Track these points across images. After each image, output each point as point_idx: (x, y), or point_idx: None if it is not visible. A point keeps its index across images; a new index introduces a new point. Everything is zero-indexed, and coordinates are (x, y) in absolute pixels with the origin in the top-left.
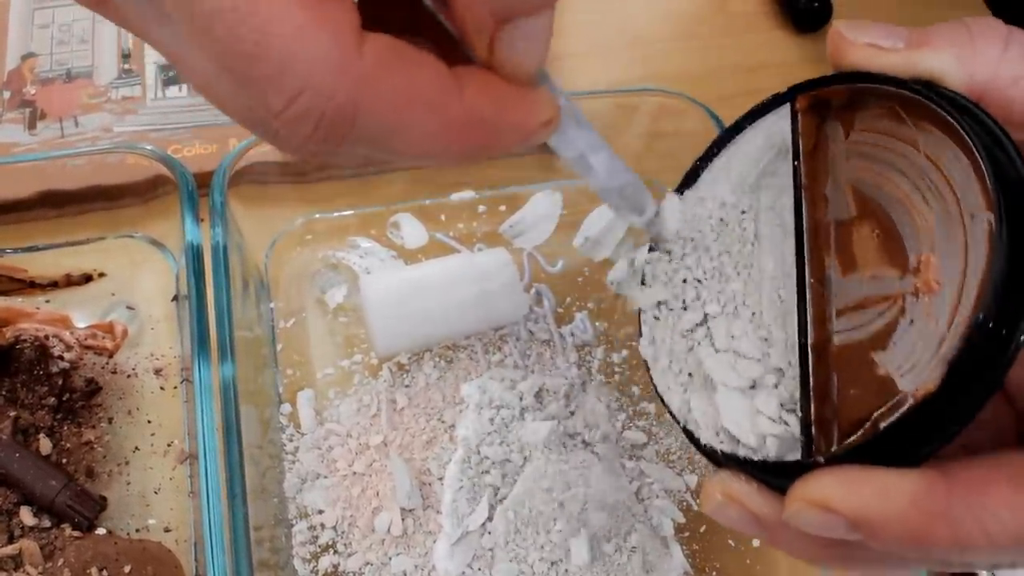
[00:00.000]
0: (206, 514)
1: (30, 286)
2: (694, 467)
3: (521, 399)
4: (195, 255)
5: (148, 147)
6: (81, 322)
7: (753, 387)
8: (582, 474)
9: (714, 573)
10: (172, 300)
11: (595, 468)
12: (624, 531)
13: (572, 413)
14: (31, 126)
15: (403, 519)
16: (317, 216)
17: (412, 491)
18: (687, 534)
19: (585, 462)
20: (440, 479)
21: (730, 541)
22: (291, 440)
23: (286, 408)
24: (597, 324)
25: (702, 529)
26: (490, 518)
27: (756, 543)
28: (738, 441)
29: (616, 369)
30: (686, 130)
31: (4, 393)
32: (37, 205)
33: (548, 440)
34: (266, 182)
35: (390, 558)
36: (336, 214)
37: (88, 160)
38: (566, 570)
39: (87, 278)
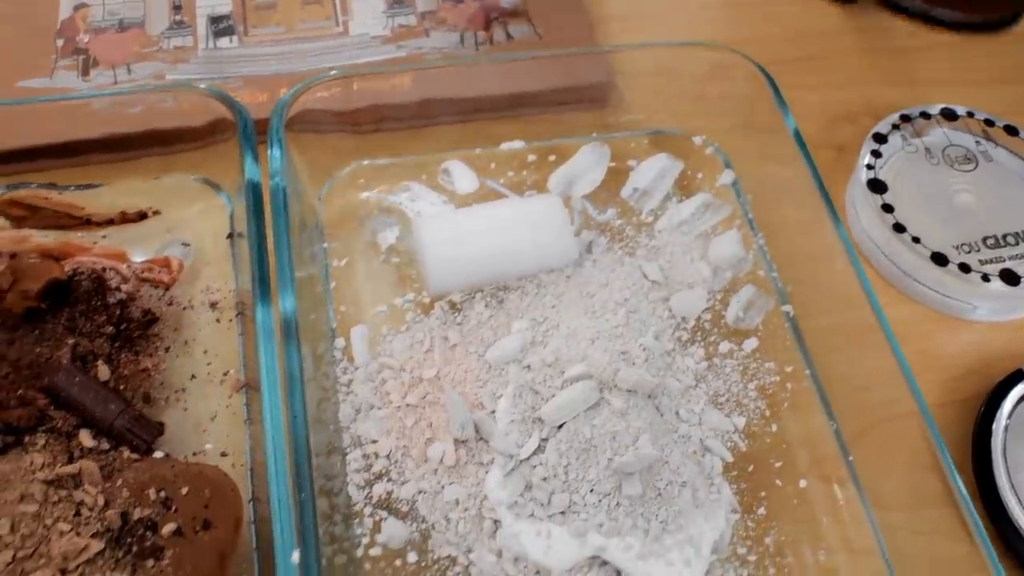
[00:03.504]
0: (269, 440)
1: (86, 223)
2: (742, 410)
3: None
4: (254, 193)
5: (206, 86)
6: (137, 258)
7: None
8: (633, 409)
9: (761, 510)
10: (227, 238)
11: (646, 405)
12: (674, 467)
13: (624, 353)
14: (84, 73)
15: (456, 449)
16: (369, 162)
17: (466, 422)
18: (735, 473)
19: (636, 400)
20: (492, 413)
21: (777, 481)
22: (345, 373)
23: (340, 342)
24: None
25: (750, 469)
26: (541, 450)
27: (803, 483)
28: None
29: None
30: (735, 91)
31: (63, 322)
32: (95, 147)
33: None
34: (320, 131)
35: (443, 487)
36: (388, 160)
37: (145, 104)
38: (617, 503)
39: (142, 215)
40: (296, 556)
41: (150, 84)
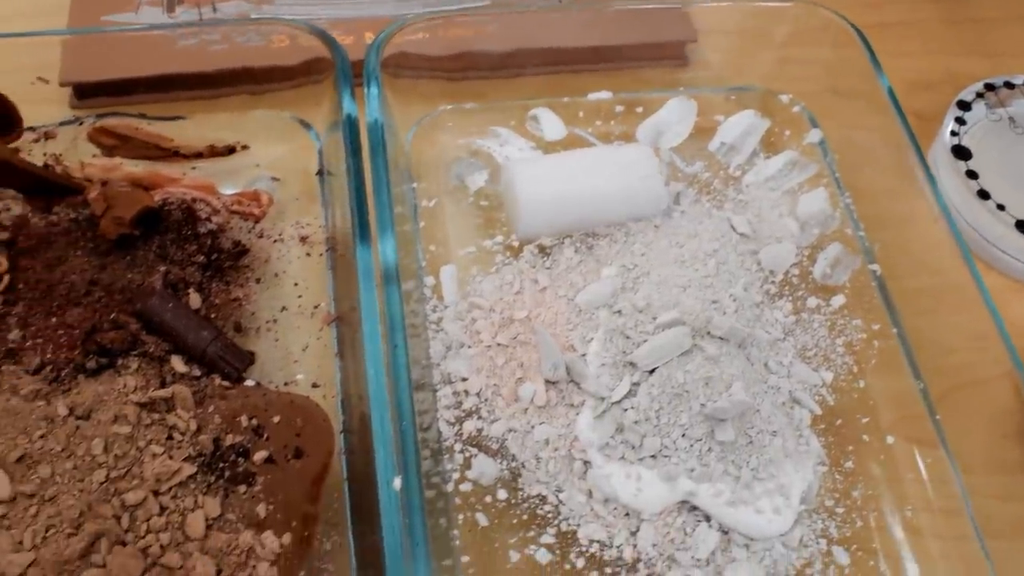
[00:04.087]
0: (371, 371)
1: (175, 155)
2: (829, 365)
3: None
4: (352, 130)
5: (305, 23)
6: (226, 191)
7: None
8: (725, 357)
9: (848, 464)
10: (316, 175)
11: (738, 354)
12: (765, 416)
13: (715, 302)
14: (170, 9)
15: (546, 390)
16: (456, 107)
17: (558, 363)
18: (822, 426)
19: (728, 348)
20: (583, 355)
21: (864, 437)
22: (434, 311)
23: (429, 280)
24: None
25: (837, 423)
26: (632, 393)
27: (890, 440)
28: None
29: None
30: (825, 50)
31: (155, 249)
32: (185, 82)
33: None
34: (411, 74)
35: (533, 426)
36: (475, 106)
37: (240, 39)
38: (708, 448)
39: (231, 149)
40: (398, 483)
41: (248, 18)
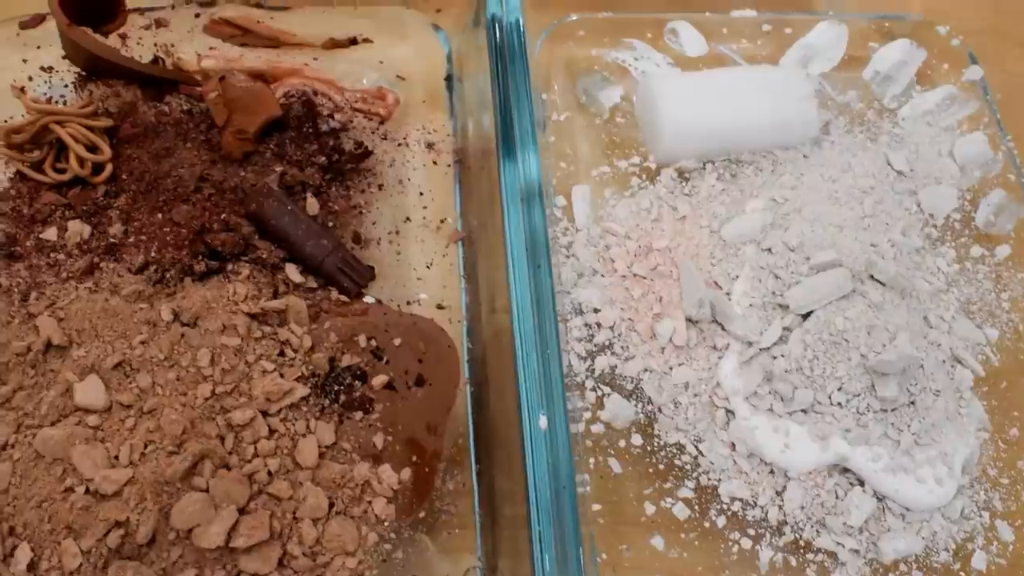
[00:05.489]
0: (515, 298)
1: (294, 47)
2: (994, 321)
3: None
4: (499, 33)
5: None
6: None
7: None
8: (889, 305)
9: (1013, 431)
10: (445, 80)
11: (901, 303)
12: (928, 373)
13: (874, 245)
14: None
15: (687, 328)
16: (588, 15)
17: (703, 300)
18: (986, 389)
19: (891, 295)
20: (727, 294)
21: None
22: (565, 234)
23: (559, 200)
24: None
25: (1003, 385)
26: (784, 340)
27: None
28: None
29: None
30: None
31: (272, 147)
32: None
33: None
34: None
35: (671, 368)
36: (609, 15)
37: None
38: (867, 404)
39: (352, 41)
40: (543, 422)
41: None
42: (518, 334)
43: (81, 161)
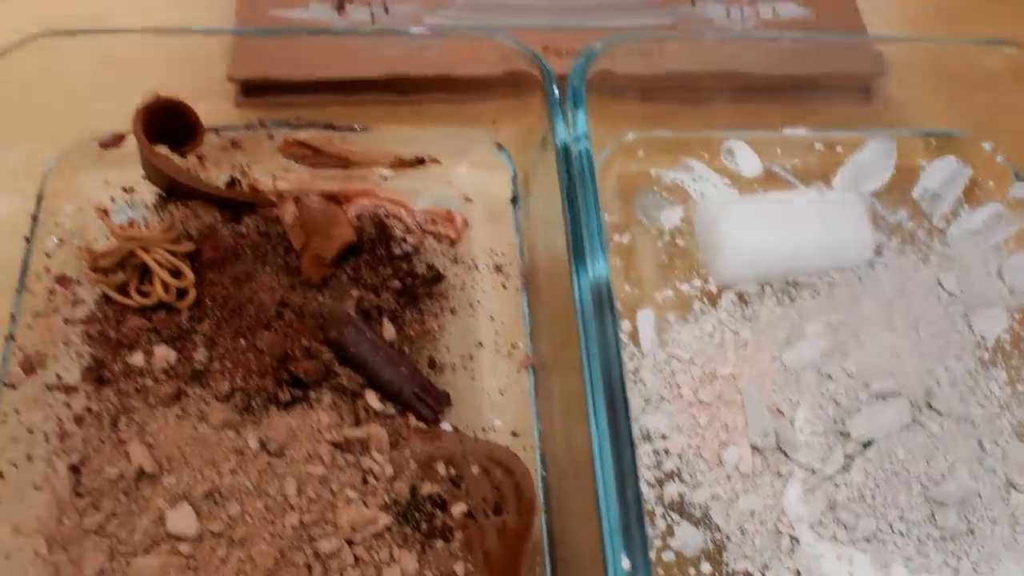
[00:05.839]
0: (594, 428)
1: (363, 167)
2: None
3: None
4: (566, 157)
5: (516, 42)
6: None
7: None
8: (948, 435)
9: None
10: (511, 201)
11: (959, 432)
12: (986, 502)
13: (929, 371)
14: (340, 8)
15: (752, 455)
16: (646, 134)
17: (768, 429)
18: None
19: (949, 424)
20: (791, 421)
21: None
22: (631, 359)
23: (625, 325)
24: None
25: None
26: (846, 468)
27: None
28: None
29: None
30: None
31: (348, 271)
32: (376, 87)
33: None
34: (604, 96)
35: (738, 495)
36: (667, 133)
37: (437, 49)
38: (928, 534)
39: (420, 161)
40: (627, 563)
41: (447, 26)
42: (598, 465)
43: (165, 286)
